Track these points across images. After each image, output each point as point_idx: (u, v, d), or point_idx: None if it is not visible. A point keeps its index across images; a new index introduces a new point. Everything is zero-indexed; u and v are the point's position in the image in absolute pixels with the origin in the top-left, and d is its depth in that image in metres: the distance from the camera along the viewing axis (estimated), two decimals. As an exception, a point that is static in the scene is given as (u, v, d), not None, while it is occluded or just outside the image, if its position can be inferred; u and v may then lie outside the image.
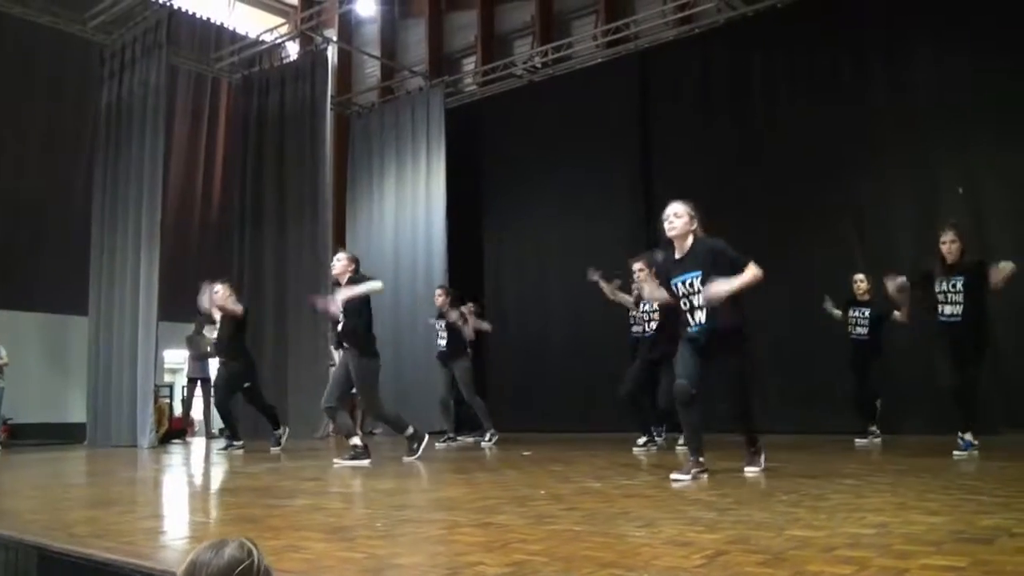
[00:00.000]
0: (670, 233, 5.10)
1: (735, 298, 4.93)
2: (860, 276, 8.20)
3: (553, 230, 12.17)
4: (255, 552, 1.57)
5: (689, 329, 5.09)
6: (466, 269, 12.71)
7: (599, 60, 12.52)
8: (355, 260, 7.35)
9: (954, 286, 6.39)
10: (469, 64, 14.72)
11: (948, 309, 6.43)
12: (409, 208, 13.34)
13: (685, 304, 5.08)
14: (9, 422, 11.85)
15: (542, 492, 4.43)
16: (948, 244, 6.43)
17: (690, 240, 5.09)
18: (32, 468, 7.80)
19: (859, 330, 8.11)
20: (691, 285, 5.00)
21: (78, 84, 12.46)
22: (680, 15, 11.65)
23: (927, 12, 9.23)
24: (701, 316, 5.01)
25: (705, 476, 4.97)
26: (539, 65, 13.18)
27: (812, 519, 3.21)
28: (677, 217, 5.04)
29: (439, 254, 12.66)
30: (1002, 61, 8.64)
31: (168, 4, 11.64)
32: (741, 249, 4.98)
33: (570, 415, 10.80)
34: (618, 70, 12.01)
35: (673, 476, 4.91)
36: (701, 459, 5.05)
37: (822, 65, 9.91)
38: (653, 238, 8.99)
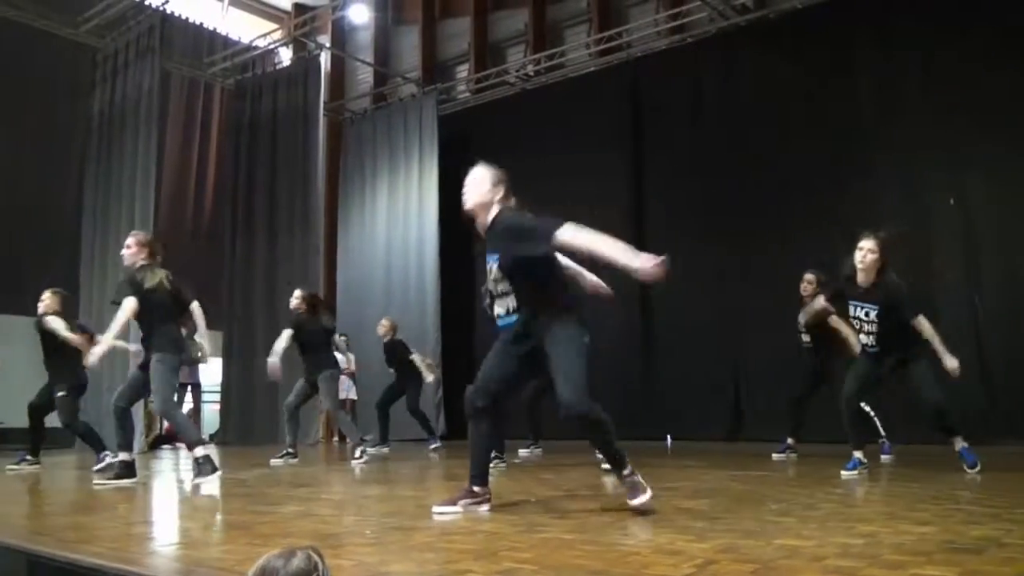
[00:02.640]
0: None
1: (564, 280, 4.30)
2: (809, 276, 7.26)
3: (545, 237, 12.14)
4: (321, 565, 1.68)
5: (500, 316, 4.27)
6: (458, 277, 12.69)
7: (592, 68, 12.56)
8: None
9: (867, 314, 5.32)
10: (462, 71, 14.72)
11: (864, 339, 5.47)
12: (401, 215, 13.32)
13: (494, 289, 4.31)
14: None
15: (532, 499, 4.42)
16: (864, 253, 5.23)
17: (494, 212, 4.22)
18: (21, 472, 7.76)
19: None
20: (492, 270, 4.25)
21: (70, 88, 12.42)
22: (672, 24, 11.70)
23: (920, 20, 9.27)
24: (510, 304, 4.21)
25: (484, 508, 3.96)
26: (532, 73, 13.22)
27: (802, 528, 3.22)
28: None
29: (431, 261, 12.65)
30: (994, 71, 8.67)
31: (161, 9, 11.62)
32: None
33: (561, 423, 10.75)
34: (610, 78, 12.04)
35: (435, 509, 3.94)
36: (476, 488, 3.99)
37: (814, 75, 9.95)
38: (643, 244, 8.96)
